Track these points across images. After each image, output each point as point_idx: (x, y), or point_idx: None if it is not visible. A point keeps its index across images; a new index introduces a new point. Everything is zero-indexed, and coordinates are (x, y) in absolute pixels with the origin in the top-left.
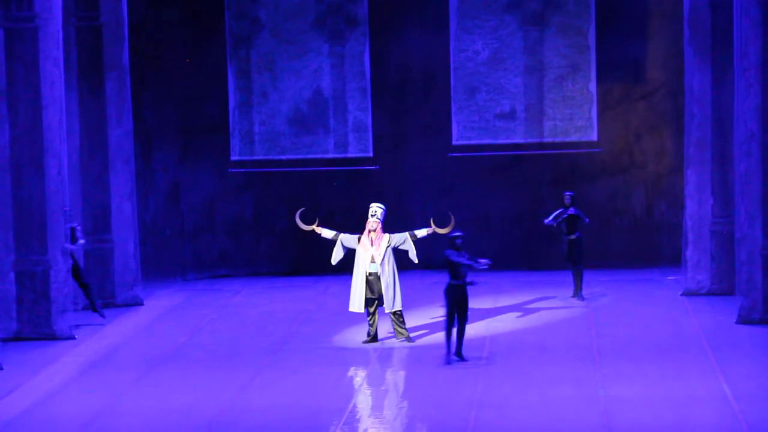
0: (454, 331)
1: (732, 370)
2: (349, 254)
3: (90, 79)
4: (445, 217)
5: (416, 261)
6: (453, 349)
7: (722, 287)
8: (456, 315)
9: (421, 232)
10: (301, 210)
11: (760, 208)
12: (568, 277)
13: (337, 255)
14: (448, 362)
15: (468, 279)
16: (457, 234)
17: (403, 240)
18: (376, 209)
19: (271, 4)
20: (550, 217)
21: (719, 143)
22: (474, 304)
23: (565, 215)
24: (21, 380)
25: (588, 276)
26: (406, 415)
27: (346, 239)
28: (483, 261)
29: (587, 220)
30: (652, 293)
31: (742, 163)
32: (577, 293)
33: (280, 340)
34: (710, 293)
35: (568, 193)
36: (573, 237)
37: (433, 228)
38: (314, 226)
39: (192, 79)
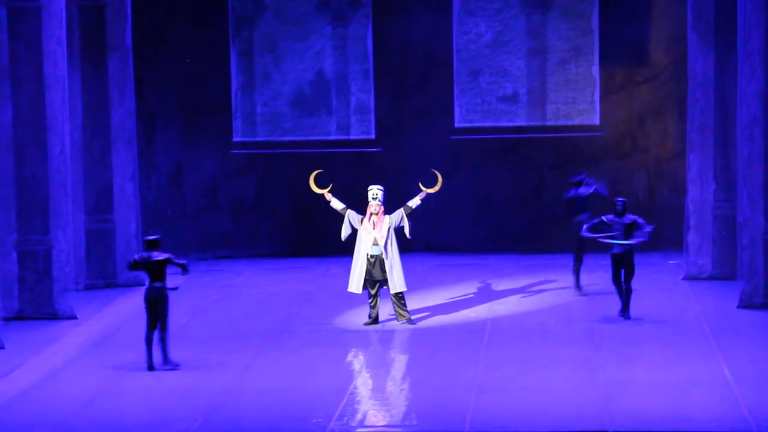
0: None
1: (733, 354)
2: (355, 232)
3: (93, 59)
4: (431, 175)
5: (409, 237)
6: (155, 357)
7: (724, 272)
8: (156, 319)
9: (414, 202)
10: (317, 171)
11: (762, 193)
12: (571, 261)
13: (345, 231)
14: (151, 369)
15: (170, 285)
16: (154, 238)
17: (401, 217)
18: (377, 192)
19: None
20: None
21: (722, 128)
22: (476, 286)
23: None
24: (22, 359)
25: (590, 260)
26: (406, 398)
27: (353, 217)
28: (183, 261)
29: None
30: (653, 277)
31: (744, 148)
32: (626, 311)
33: (281, 322)
34: (712, 277)
35: (620, 200)
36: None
37: (424, 190)
38: (326, 191)
39: (195, 60)
